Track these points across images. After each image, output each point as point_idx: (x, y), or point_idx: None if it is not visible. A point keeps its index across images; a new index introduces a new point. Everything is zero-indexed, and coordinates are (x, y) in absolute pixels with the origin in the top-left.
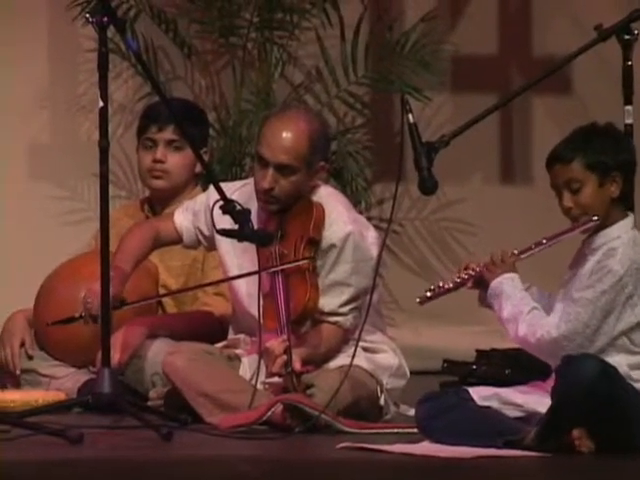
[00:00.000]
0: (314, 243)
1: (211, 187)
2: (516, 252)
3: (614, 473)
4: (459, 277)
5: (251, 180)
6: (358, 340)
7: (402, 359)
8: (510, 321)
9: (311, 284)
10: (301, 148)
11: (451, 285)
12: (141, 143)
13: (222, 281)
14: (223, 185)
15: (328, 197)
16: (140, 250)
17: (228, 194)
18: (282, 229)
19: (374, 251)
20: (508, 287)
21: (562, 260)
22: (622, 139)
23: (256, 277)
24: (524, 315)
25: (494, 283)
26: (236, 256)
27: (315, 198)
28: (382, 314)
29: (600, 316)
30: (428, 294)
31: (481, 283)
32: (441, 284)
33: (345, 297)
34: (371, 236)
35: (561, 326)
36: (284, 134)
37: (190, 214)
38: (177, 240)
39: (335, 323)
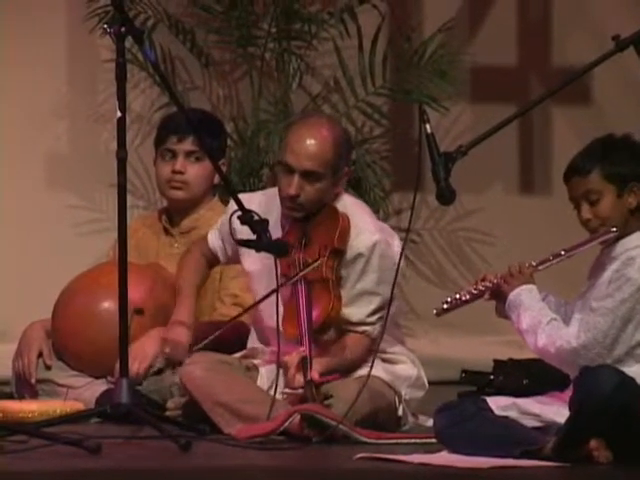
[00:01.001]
0: (338, 253)
1: (232, 201)
2: (534, 263)
3: None
4: (476, 289)
5: (273, 189)
6: (376, 351)
7: (421, 370)
8: (529, 332)
9: (335, 294)
10: (326, 154)
11: (468, 297)
12: (160, 154)
13: (256, 304)
14: (245, 195)
15: (353, 206)
16: (195, 285)
17: (251, 203)
18: (306, 237)
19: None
20: (526, 298)
21: (579, 270)
22: (639, 150)
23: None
24: (543, 326)
25: (512, 295)
26: (262, 264)
27: (340, 207)
28: (400, 325)
29: (620, 325)
30: (445, 306)
31: (498, 295)
32: (458, 296)
33: (373, 306)
34: (397, 245)
35: (580, 336)
36: (309, 141)
37: (218, 232)
38: (216, 260)
39: (363, 332)
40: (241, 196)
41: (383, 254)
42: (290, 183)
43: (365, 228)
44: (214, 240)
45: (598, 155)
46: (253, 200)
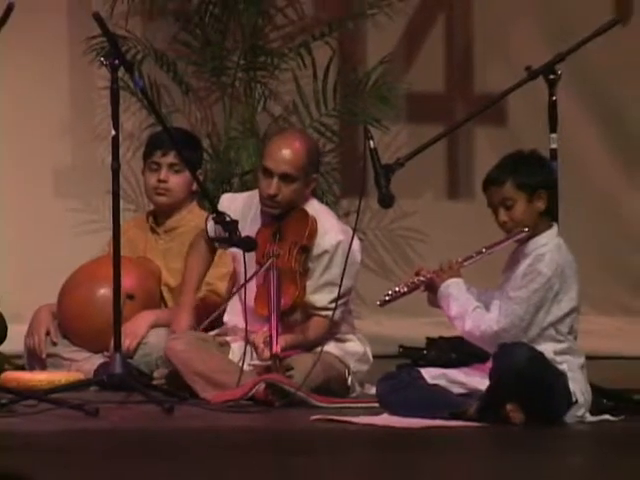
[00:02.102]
0: (306, 250)
1: (221, 200)
2: (460, 260)
3: (541, 440)
4: (412, 282)
5: (254, 191)
6: (335, 332)
7: (367, 347)
8: (457, 318)
9: (301, 285)
10: (300, 160)
11: (406, 289)
12: (147, 166)
13: (239, 288)
14: (229, 195)
15: (321, 211)
16: (199, 271)
17: (235, 201)
18: (280, 233)
19: (358, 257)
20: (454, 290)
21: (496, 264)
22: (544, 162)
23: (253, 271)
24: (469, 313)
25: (443, 287)
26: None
27: (310, 210)
28: (351, 310)
29: (533, 311)
30: (386, 298)
31: (431, 287)
32: (397, 289)
33: (334, 295)
34: (356, 244)
35: (500, 321)
36: (285, 149)
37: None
38: (214, 248)
39: (325, 317)
40: (226, 196)
41: (345, 252)
42: (270, 184)
43: (331, 229)
44: (211, 231)
45: (510, 168)
46: (238, 199)
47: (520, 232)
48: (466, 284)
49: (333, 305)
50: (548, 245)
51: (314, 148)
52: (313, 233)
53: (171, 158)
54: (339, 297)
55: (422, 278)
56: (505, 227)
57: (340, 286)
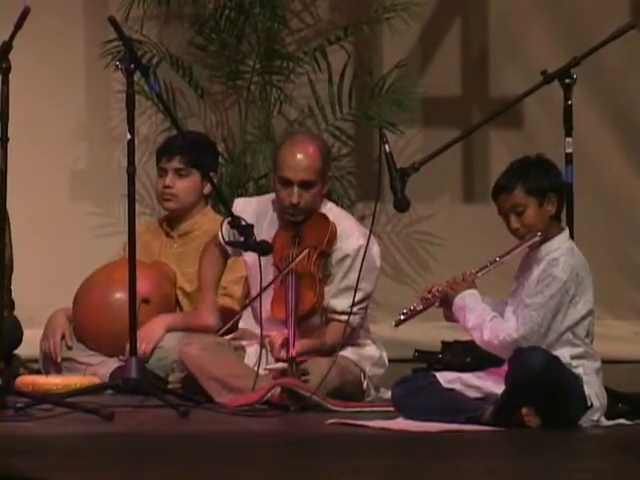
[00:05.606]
0: (325, 255)
1: (234, 204)
2: (474, 271)
3: (556, 443)
4: (426, 299)
5: (266, 196)
6: (357, 337)
7: (383, 352)
8: (475, 329)
9: (319, 291)
10: (317, 164)
11: (421, 307)
12: (157, 172)
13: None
14: (243, 200)
15: (342, 216)
16: (213, 275)
17: (248, 206)
18: (299, 237)
19: (378, 262)
20: (470, 301)
21: (508, 272)
22: (552, 166)
23: (269, 277)
24: (486, 323)
25: (458, 299)
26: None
27: (330, 215)
28: (368, 315)
29: (550, 316)
30: (402, 317)
31: (446, 301)
32: (412, 307)
33: (355, 299)
34: (375, 250)
35: (519, 328)
36: (300, 155)
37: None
38: (227, 254)
39: (344, 321)
40: (239, 200)
41: (366, 257)
42: (290, 194)
43: (352, 233)
44: (226, 235)
45: (518, 174)
46: (250, 204)
47: (533, 237)
48: (481, 295)
49: (353, 309)
50: (561, 249)
51: (326, 148)
52: (333, 239)
53: (176, 163)
54: (359, 301)
55: (436, 293)
56: (517, 234)
57: (356, 290)
